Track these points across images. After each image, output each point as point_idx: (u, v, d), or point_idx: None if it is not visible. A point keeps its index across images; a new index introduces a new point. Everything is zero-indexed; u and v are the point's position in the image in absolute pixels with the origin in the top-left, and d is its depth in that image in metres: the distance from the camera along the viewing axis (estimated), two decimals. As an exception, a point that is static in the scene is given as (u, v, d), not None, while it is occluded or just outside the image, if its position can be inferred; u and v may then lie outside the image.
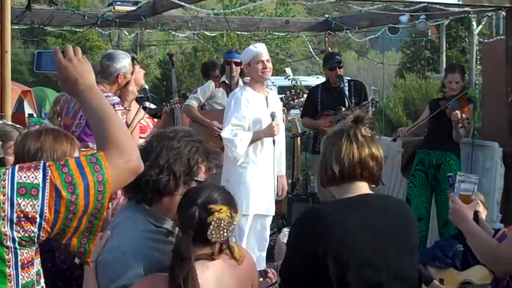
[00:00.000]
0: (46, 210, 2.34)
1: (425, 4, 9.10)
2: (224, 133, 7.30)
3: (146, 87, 7.32)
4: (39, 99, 21.53)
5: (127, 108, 6.76)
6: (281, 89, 20.35)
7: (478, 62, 19.33)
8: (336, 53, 10.60)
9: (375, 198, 3.47)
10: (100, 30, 13.81)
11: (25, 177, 2.36)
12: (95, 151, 2.51)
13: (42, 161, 2.42)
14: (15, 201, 2.32)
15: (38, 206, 2.34)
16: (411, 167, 9.10)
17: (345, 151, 3.36)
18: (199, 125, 8.93)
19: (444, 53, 22.89)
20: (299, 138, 11.57)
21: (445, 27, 20.89)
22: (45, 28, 12.56)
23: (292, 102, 9.03)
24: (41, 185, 2.35)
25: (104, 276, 3.22)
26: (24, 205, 2.32)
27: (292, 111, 11.16)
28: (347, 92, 9.28)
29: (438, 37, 22.55)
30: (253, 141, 7.30)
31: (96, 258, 3.20)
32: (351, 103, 9.11)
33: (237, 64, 8.98)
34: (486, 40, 11.34)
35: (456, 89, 8.57)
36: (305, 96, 9.74)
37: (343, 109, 8.97)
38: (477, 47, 19.59)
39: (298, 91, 9.27)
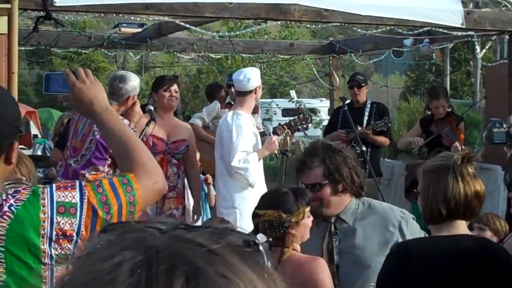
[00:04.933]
0: (82, 228, 2.39)
1: (429, 28, 9.15)
2: (235, 162, 7.21)
3: (152, 108, 7.35)
4: (45, 120, 21.58)
5: (134, 129, 6.79)
6: (285, 112, 20.38)
7: (482, 86, 19.39)
8: (360, 73, 10.67)
9: (473, 240, 3.46)
10: (106, 52, 13.89)
11: (63, 196, 2.40)
12: (105, 174, 2.58)
13: (77, 181, 2.47)
14: (54, 220, 2.36)
15: (75, 224, 2.39)
16: (415, 189, 9.12)
17: (452, 191, 3.31)
18: (204, 144, 8.95)
19: (448, 76, 22.93)
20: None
21: (449, 51, 20.95)
22: (51, 49, 12.66)
23: (299, 126, 9.05)
24: (79, 204, 2.40)
25: None
26: (63, 223, 2.37)
27: (297, 133, 11.19)
28: (367, 113, 9.35)
29: (442, 61, 22.61)
30: (259, 160, 7.34)
31: None
32: (370, 123, 9.19)
33: None
34: (489, 64, 11.39)
35: (443, 113, 8.72)
36: (314, 119, 9.80)
37: (359, 128, 9.01)
38: (481, 71, 19.66)
39: (306, 115, 9.26)
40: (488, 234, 6.01)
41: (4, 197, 2.37)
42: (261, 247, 1.03)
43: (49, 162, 7.92)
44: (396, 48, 12.63)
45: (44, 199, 2.38)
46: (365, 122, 9.25)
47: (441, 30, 9.06)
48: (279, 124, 8.56)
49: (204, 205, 7.91)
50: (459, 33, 9.42)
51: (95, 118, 2.68)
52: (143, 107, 7.35)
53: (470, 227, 4.70)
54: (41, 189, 2.42)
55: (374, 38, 11.57)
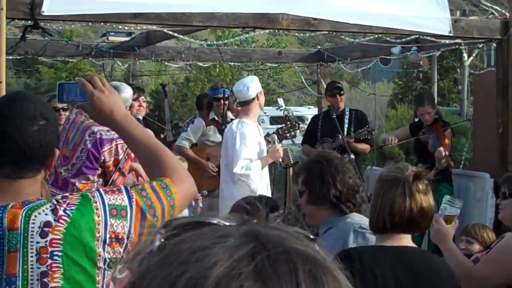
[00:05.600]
0: (132, 231, 2.41)
1: (417, 36, 9.17)
2: (237, 169, 7.31)
3: (140, 117, 7.35)
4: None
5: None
6: (273, 120, 20.42)
7: (470, 93, 19.44)
8: (337, 81, 10.71)
9: (416, 253, 3.50)
10: (93, 60, 13.86)
11: (113, 199, 2.42)
12: (95, 184, 2.60)
13: (121, 185, 2.48)
14: (108, 222, 2.38)
15: (127, 227, 2.41)
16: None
17: (398, 206, 3.39)
18: (193, 165, 8.92)
19: (436, 84, 22.99)
20: (291, 168, 11.57)
21: (436, 59, 21.00)
22: (38, 58, 12.61)
23: (287, 134, 9.07)
24: (128, 207, 2.42)
25: None
26: (116, 226, 2.39)
27: (284, 141, 11.19)
28: (347, 121, 9.37)
29: (430, 68, 22.64)
30: (262, 167, 7.38)
31: None
32: (351, 131, 9.21)
33: (226, 98, 9.05)
34: (477, 72, 11.42)
35: (429, 120, 8.82)
36: (301, 127, 9.79)
37: (340, 137, 9.02)
38: (469, 79, 19.71)
39: (294, 123, 9.29)
40: (476, 247, 6.04)
41: (55, 202, 2.37)
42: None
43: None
44: (384, 56, 12.64)
45: (96, 202, 2.40)
46: (346, 129, 9.28)
47: (428, 38, 9.08)
48: (273, 133, 8.59)
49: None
50: (447, 41, 9.43)
51: (116, 126, 2.69)
52: None
53: (456, 240, 4.77)
54: (90, 194, 2.44)
55: (361, 46, 11.58)
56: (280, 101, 25.68)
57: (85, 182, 6.39)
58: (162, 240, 1.02)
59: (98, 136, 6.41)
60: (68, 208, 2.35)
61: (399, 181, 3.42)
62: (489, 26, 8.85)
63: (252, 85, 7.63)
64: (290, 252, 0.94)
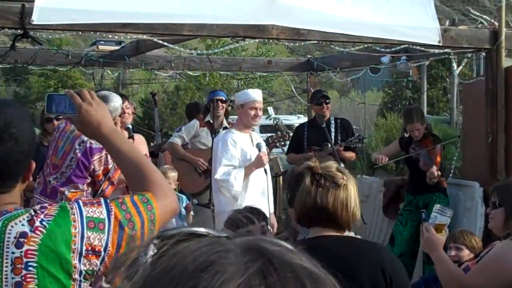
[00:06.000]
0: (110, 244, 2.40)
1: (406, 45, 9.20)
2: (218, 175, 7.39)
3: (130, 126, 7.35)
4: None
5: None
6: (263, 128, 20.43)
7: (459, 102, 19.49)
8: (323, 90, 10.73)
9: (333, 241, 3.47)
10: (83, 69, 13.86)
11: (92, 211, 2.41)
12: (84, 192, 2.60)
13: (101, 198, 2.48)
14: (85, 235, 2.37)
15: (104, 240, 2.40)
16: (393, 206, 9.21)
17: (298, 200, 3.45)
18: (183, 162, 8.97)
19: (425, 93, 23.07)
20: (281, 177, 11.60)
21: (426, 68, 21.08)
22: (28, 66, 12.60)
23: (277, 143, 9.10)
24: (106, 220, 2.41)
25: None
26: (92, 239, 2.38)
27: (274, 150, 11.22)
28: (333, 129, 9.38)
29: (419, 78, 22.72)
30: (246, 175, 7.39)
31: None
32: (338, 140, 9.22)
33: (223, 102, 9.09)
34: (466, 81, 11.46)
35: (419, 136, 8.83)
36: (290, 136, 9.82)
37: (329, 145, 9.03)
38: (458, 87, 19.78)
39: (285, 133, 9.34)
40: (466, 252, 6.08)
41: (33, 213, 2.36)
42: None
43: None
44: (373, 65, 12.68)
45: (74, 214, 2.39)
46: (333, 138, 9.28)
47: (418, 47, 9.11)
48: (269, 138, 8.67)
49: (181, 224, 7.89)
50: (436, 51, 9.47)
51: (102, 139, 2.68)
52: None
53: (445, 247, 4.81)
54: (69, 205, 2.43)
55: (351, 55, 11.62)
56: (270, 109, 25.73)
57: (74, 190, 6.38)
58: (156, 250, 1.02)
59: (88, 145, 6.40)
60: (45, 219, 2.35)
61: (303, 176, 3.46)
62: (478, 36, 8.89)
63: (240, 94, 7.89)
64: (296, 269, 0.95)
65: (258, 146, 7.51)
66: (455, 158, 10.35)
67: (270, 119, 19.90)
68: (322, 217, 3.41)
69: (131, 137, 7.02)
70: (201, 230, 1.05)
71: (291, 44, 11.45)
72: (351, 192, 3.44)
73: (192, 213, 8.19)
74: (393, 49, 10.04)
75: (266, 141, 9.02)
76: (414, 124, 8.82)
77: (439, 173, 8.59)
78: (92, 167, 6.45)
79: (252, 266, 0.94)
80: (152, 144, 11.04)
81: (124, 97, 7.40)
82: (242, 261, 0.95)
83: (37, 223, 2.33)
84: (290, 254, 0.99)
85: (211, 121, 9.19)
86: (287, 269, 0.95)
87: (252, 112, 7.55)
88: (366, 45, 9.48)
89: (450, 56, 10.07)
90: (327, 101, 9.51)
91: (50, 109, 2.78)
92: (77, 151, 6.44)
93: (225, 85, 25.22)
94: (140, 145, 7.36)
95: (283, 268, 0.95)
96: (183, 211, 8.11)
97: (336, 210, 3.39)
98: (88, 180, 6.45)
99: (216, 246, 0.98)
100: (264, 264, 0.94)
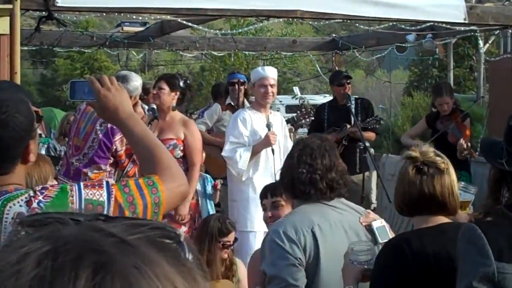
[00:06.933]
0: None
1: (432, 23, 9.14)
2: (224, 152, 7.39)
3: (154, 106, 7.36)
4: (48, 119, 21.56)
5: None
6: (289, 108, 20.42)
7: (486, 80, 19.36)
8: (342, 71, 10.67)
9: (453, 228, 3.43)
10: (109, 51, 13.90)
11: (91, 194, 2.43)
12: (107, 173, 2.61)
13: (104, 180, 2.49)
14: None
15: None
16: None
17: (400, 191, 3.53)
18: (211, 147, 8.96)
19: (452, 71, 22.91)
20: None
21: (452, 46, 20.92)
22: (53, 49, 12.66)
23: (302, 121, 9.07)
24: (106, 202, 2.43)
25: None
26: None
27: (300, 130, 11.19)
28: (353, 110, 9.31)
29: (445, 56, 22.56)
30: (254, 154, 7.35)
31: None
32: (358, 120, 9.14)
33: (242, 83, 9.07)
34: (492, 59, 11.38)
35: (448, 110, 8.71)
36: None
37: (348, 126, 8.99)
38: (485, 65, 19.63)
39: (309, 109, 9.30)
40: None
41: (32, 194, 2.39)
42: (183, 240, 1.00)
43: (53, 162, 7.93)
44: (399, 44, 12.62)
45: (72, 196, 2.41)
46: (352, 119, 9.22)
47: (443, 25, 9.05)
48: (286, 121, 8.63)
49: (207, 204, 7.87)
50: (462, 28, 9.40)
51: (120, 124, 2.72)
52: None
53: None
54: (69, 187, 2.46)
55: (376, 34, 11.57)
56: (296, 89, 25.67)
57: (97, 171, 6.41)
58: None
59: (109, 125, 6.39)
60: (43, 201, 2.36)
61: (406, 168, 3.51)
62: (505, 13, 8.79)
63: (252, 73, 7.85)
64: (82, 259, 0.90)
65: (268, 125, 7.42)
66: (481, 136, 10.29)
67: (296, 99, 19.84)
68: (431, 205, 3.42)
69: (155, 117, 7.01)
70: (56, 215, 1.01)
71: (316, 23, 11.41)
72: (453, 175, 3.50)
73: (219, 191, 8.15)
74: (418, 27, 9.98)
75: (291, 120, 8.99)
76: (444, 97, 8.71)
77: (469, 144, 8.46)
78: (114, 147, 6.47)
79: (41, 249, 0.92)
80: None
81: (161, 78, 7.37)
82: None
83: (34, 204, 2.35)
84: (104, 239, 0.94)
85: (232, 103, 9.17)
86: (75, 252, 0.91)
87: (262, 90, 7.43)
88: (391, 23, 9.42)
89: (476, 34, 9.98)
90: (348, 81, 9.46)
91: (73, 96, 2.83)
92: (99, 132, 6.47)
93: (250, 65, 25.22)
94: (194, 133, 7.19)
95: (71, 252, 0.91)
96: (209, 189, 8.11)
97: (444, 197, 3.42)
98: (111, 161, 6.47)
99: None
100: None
